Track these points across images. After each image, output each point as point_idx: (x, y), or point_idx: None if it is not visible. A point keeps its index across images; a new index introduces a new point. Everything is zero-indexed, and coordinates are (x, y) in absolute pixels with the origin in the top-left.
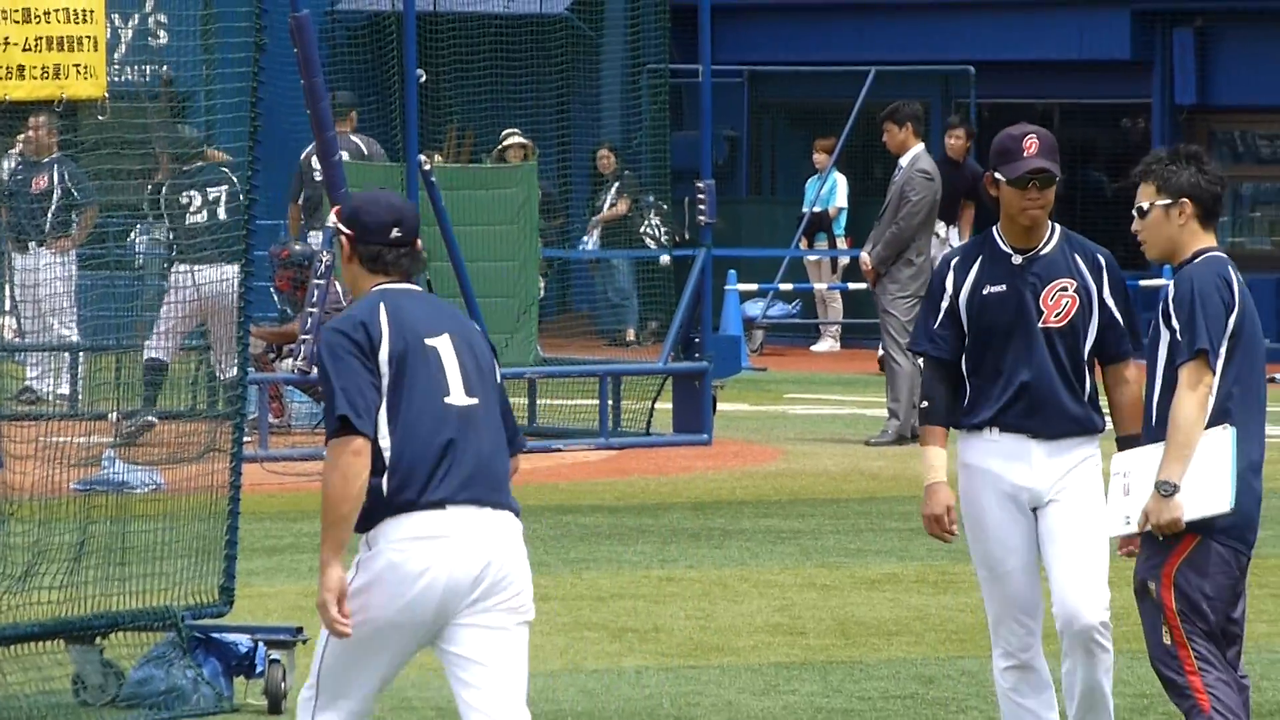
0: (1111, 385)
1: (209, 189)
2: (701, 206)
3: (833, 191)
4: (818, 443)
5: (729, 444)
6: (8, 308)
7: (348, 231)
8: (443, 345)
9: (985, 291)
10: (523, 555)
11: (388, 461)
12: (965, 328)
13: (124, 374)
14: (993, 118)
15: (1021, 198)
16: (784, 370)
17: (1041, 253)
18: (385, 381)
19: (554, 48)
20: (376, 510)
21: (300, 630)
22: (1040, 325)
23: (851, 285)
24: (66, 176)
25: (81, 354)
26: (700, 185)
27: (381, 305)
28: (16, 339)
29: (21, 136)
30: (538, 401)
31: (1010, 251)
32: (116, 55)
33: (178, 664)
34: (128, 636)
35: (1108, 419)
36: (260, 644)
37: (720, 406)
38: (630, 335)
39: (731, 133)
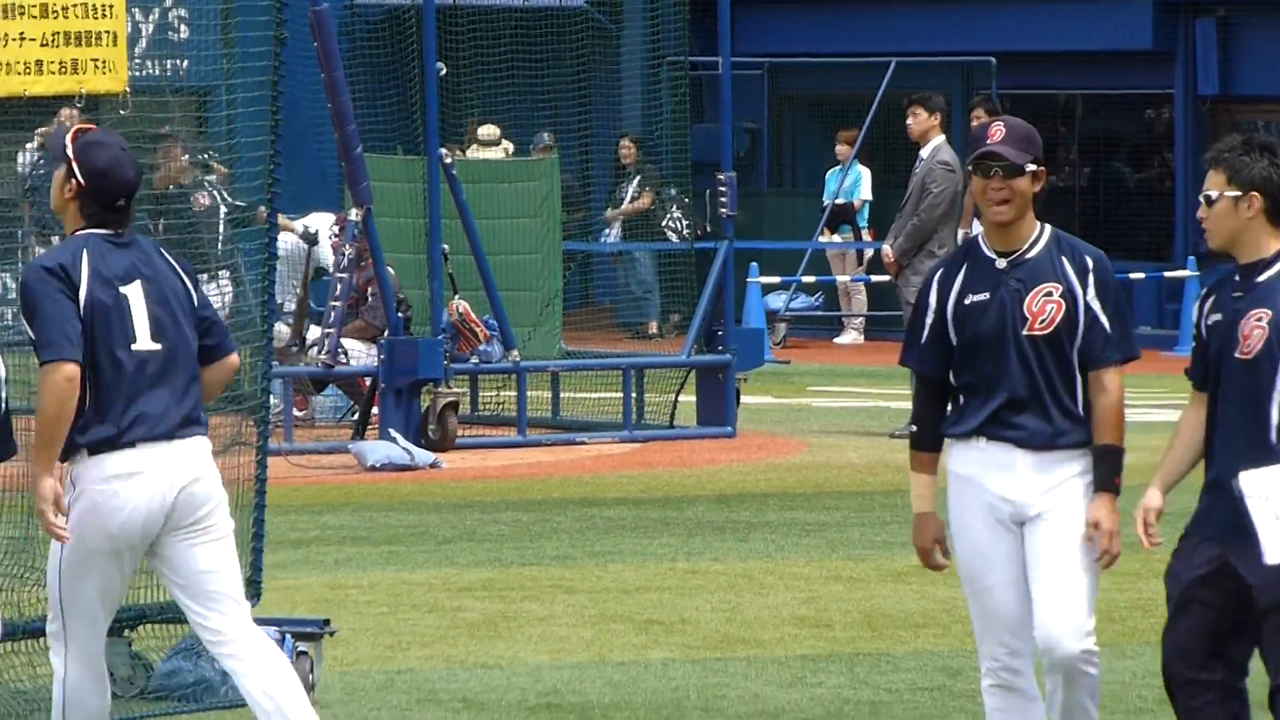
0: (1093, 393)
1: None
2: (723, 199)
3: (857, 184)
4: (842, 435)
5: (753, 437)
6: None
7: (83, 181)
8: (133, 292)
9: (968, 300)
10: (211, 474)
11: (85, 405)
12: (952, 340)
13: None
14: (1014, 109)
15: (985, 187)
16: (807, 363)
17: (1026, 256)
18: (80, 326)
19: (573, 40)
20: (73, 448)
21: (327, 622)
22: (1025, 333)
23: (874, 277)
24: None
25: None
26: (721, 178)
27: (85, 251)
28: None
29: (41, 130)
30: (561, 394)
31: (993, 256)
32: (137, 50)
33: (206, 656)
34: (156, 629)
35: None
36: (287, 636)
37: (744, 399)
38: (653, 328)
39: (752, 125)
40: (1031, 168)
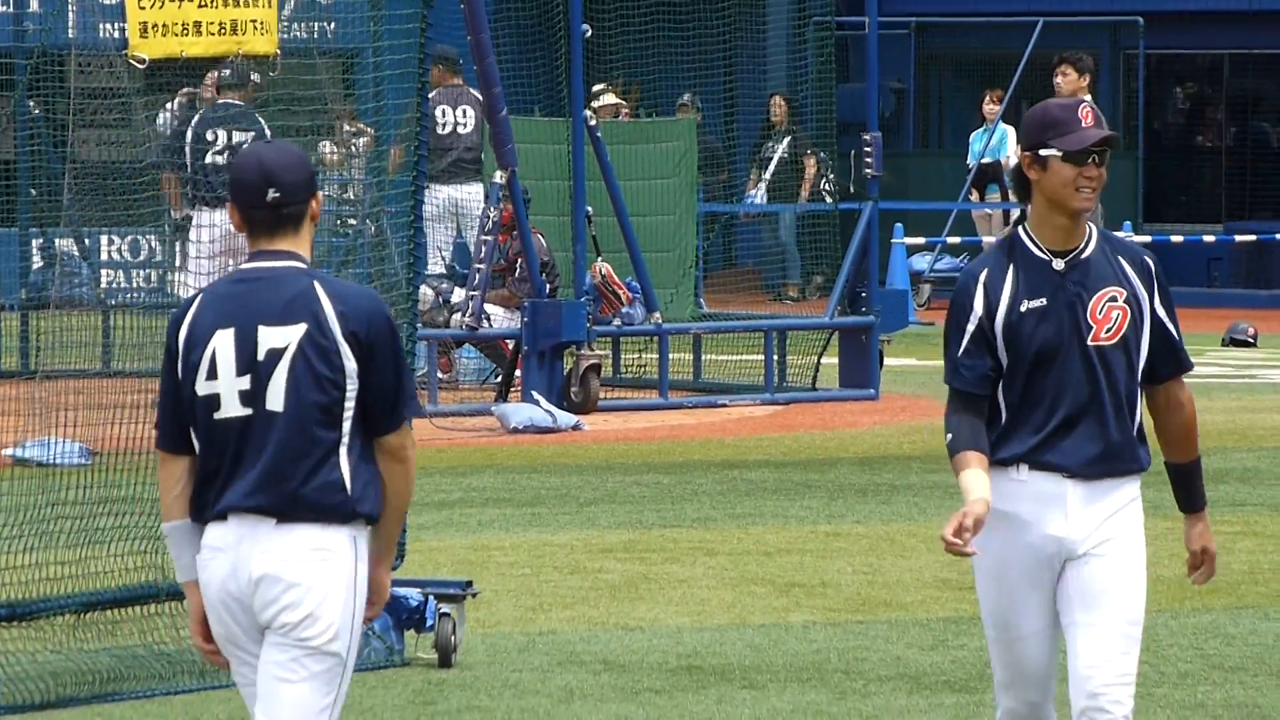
0: (1164, 408)
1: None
2: (868, 159)
3: (1003, 142)
4: None
5: (896, 399)
6: (179, 264)
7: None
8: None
9: (1024, 308)
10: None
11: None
12: (1002, 352)
13: None
14: (1160, 68)
15: (1078, 176)
16: None
17: (1084, 255)
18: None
19: (719, 1)
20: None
21: (469, 584)
22: (1090, 343)
23: None
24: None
25: None
26: (866, 138)
27: None
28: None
29: (184, 91)
30: (703, 357)
31: (1048, 256)
32: (285, 12)
33: None
34: None
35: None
36: (430, 598)
37: (887, 361)
38: (792, 291)
39: (898, 85)
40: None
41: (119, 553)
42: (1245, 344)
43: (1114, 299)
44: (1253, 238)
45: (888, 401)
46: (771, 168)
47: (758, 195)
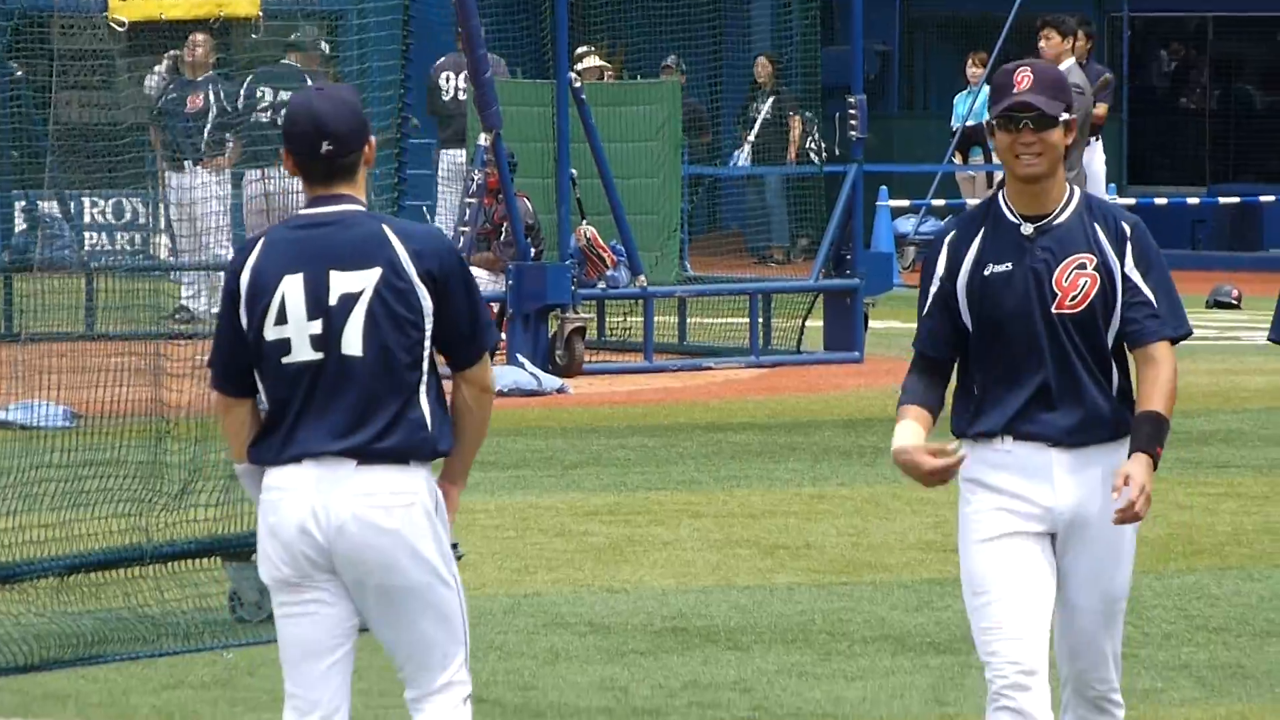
0: (1141, 369)
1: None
2: (853, 122)
3: (986, 105)
4: None
5: (881, 361)
6: (163, 226)
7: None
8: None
9: (987, 271)
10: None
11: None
12: (966, 317)
13: None
14: (1145, 31)
15: (1013, 142)
16: None
17: (1055, 221)
18: None
19: None
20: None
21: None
22: (1055, 310)
23: None
24: (222, 95)
25: None
26: (851, 100)
27: None
28: (172, 258)
29: (168, 54)
30: (688, 320)
31: (1018, 221)
32: None
33: None
34: None
35: None
36: None
37: (872, 324)
38: (778, 253)
39: (883, 47)
40: (1065, 117)
41: (103, 515)
42: (1229, 306)
43: (1083, 266)
44: (1236, 200)
45: (872, 364)
46: (756, 129)
47: (742, 157)
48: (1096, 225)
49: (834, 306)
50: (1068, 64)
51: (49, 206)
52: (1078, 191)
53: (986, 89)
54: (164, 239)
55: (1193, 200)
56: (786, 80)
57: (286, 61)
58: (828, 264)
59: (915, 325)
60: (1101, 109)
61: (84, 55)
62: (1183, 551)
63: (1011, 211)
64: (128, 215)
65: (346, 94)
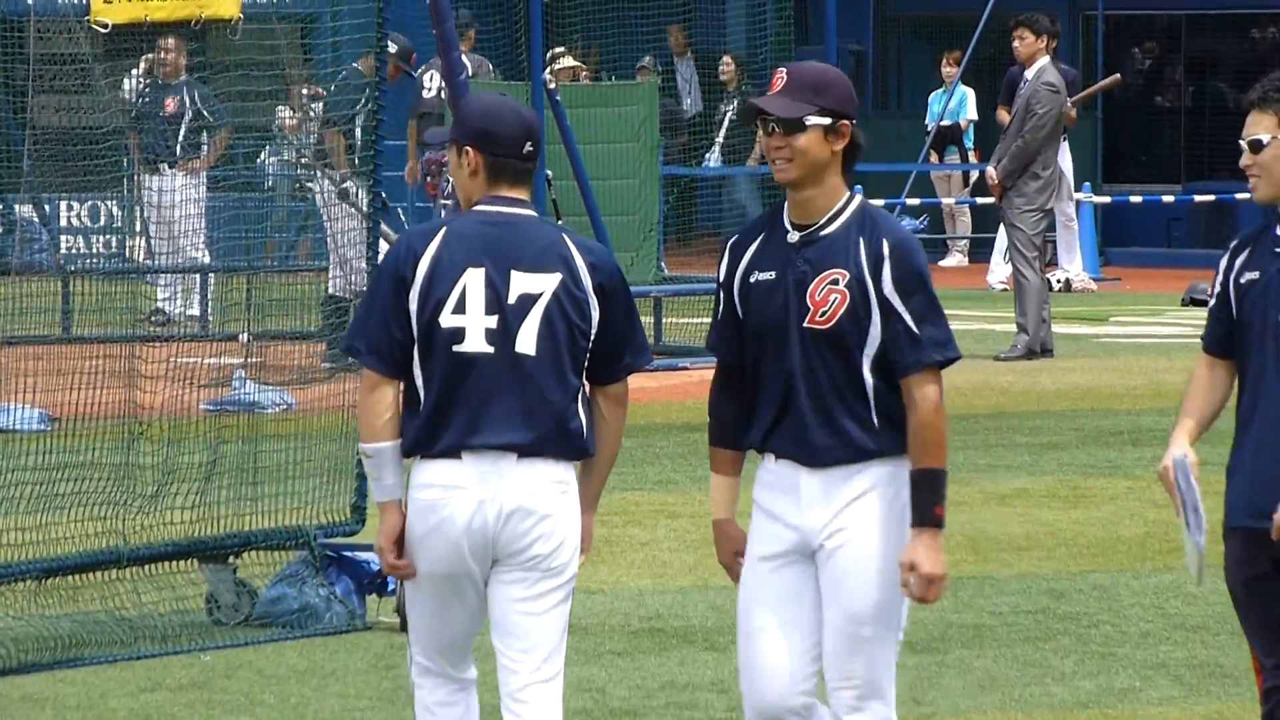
0: (906, 404)
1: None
2: None
3: (962, 104)
4: None
5: None
6: (138, 229)
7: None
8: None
9: (754, 278)
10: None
11: None
12: (741, 321)
13: (254, 295)
14: (1118, 29)
15: (768, 146)
16: None
17: (821, 233)
18: None
19: None
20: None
21: None
22: (807, 325)
23: (979, 200)
24: (197, 99)
25: (212, 276)
26: None
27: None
28: (147, 261)
29: (147, 58)
30: (664, 320)
31: (789, 229)
32: None
33: (310, 583)
34: (260, 556)
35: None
36: None
37: None
38: None
39: (856, 46)
40: (815, 120)
41: (79, 518)
42: (1204, 303)
43: (835, 281)
44: (1212, 198)
45: None
46: (723, 130)
47: (712, 158)
48: (860, 240)
49: None
50: (1042, 63)
51: (25, 210)
52: (857, 203)
53: (962, 88)
54: (139, 242)
55: (1168, 198)
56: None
57: (355, 66)
58: None
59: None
60: (1071, 112)
61: (61, 59)
62: (1160, 550)
63: (786, 219)
64: (104, 219)
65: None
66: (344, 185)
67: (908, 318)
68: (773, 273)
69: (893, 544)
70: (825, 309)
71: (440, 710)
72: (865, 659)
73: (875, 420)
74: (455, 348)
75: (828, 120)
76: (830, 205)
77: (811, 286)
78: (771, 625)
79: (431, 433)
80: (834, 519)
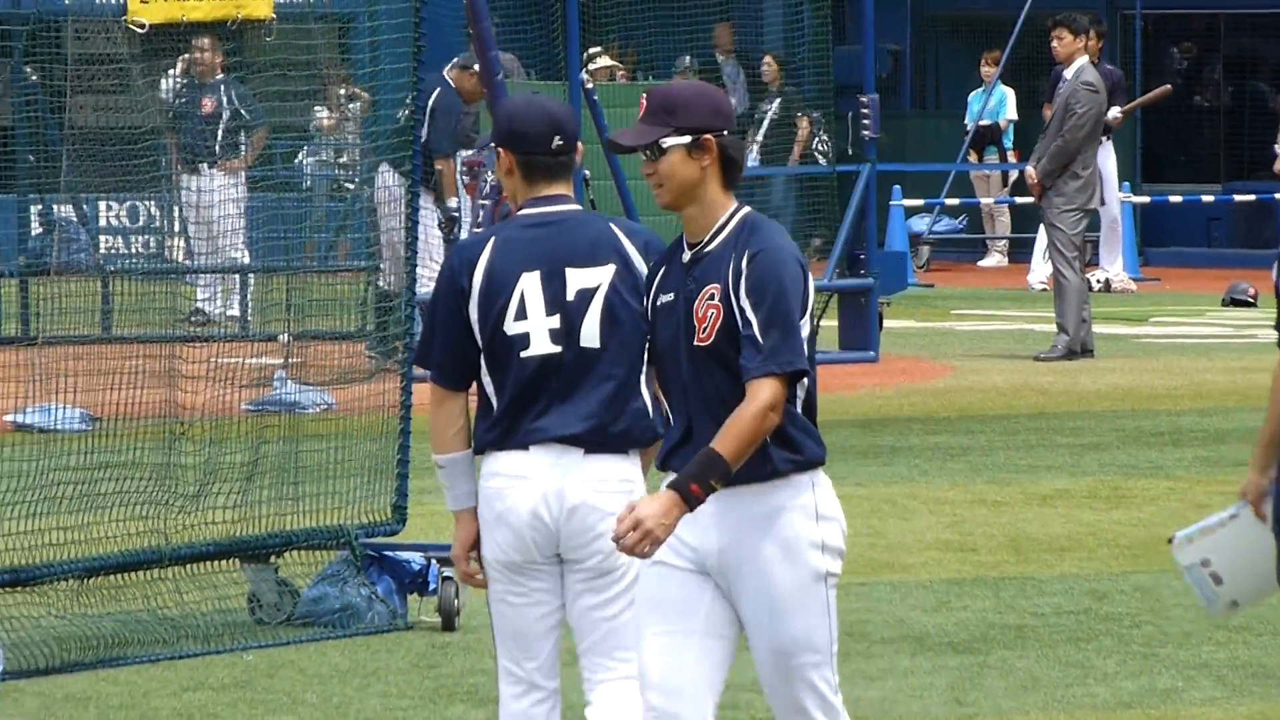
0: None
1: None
2: (865, 121)
3: (1002, 104)
4: (986, 359)
5: (896, 361)
6: (177, 229)
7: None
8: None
9: (659, 302)
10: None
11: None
12: None
13: (293, 295)
14: (1156, 28)
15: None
16: (951, 286)
17: (707, 250)
18: None
19: None
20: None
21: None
22: (695, 343)
23: (1018, 199)
24: (235, 98)
25: (251, 276)
26: (864, 99)
27: None
28: (186, 261)
29: (184, 58)
30: None
31: (685, 249)
32: None
33: (352, 582)
34: (302, 555)
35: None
36: (433, 561)
37: (887, 323)
38: None
39: (895, 46)
40: (672, 141)
41: (121, 518)
42: (1245, 304)
43: (711, 297)
44: (1252, 198)
45: (888, 363)
46: (764, 129)
47: (750, 157)
48: (733, 253)
49: (849, 306)
50: (1080, 62)
51: (65, 210)
52: (740, 217)
53: (1001, 87)
54: (179, 242)
55: (1207, 198)
56: (796, 80)
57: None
58: (842, 264)
59: (932, 324)
60: (1120, 118)
61: (99, 59)
62: None
63: (684, 239)
64: (143, 219)
65: (558, 100)
66: (452, 213)
67: (755, 325)
68: (671, 294)
69: (797, 567)
70: (705, 325)
71: None
72: (804, 685)
73: (767, 439)
74: (523, 353)
75: (686, 139)
76: (713, 222)
77: (695, 304)
78: (668, 630)
79: (503, 432)
80: (730, 544)
